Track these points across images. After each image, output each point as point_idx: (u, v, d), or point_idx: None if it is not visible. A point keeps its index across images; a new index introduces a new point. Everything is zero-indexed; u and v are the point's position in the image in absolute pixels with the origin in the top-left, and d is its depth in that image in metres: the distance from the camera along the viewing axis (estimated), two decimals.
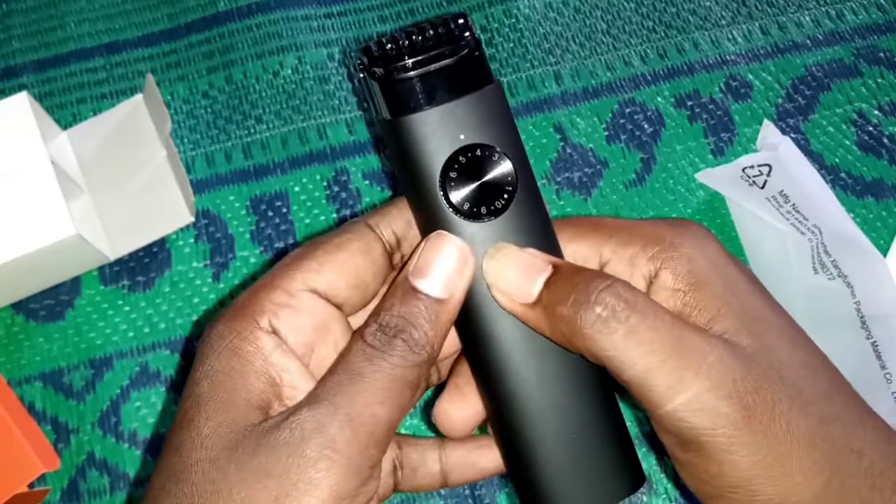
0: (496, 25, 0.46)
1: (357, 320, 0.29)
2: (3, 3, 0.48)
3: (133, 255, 0.41)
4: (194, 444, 0.25)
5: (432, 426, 0.38)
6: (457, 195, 0.27)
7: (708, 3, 0.46)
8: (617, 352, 0.25)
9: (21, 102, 0.39)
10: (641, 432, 0.38)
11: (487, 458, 0.31)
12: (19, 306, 0.41)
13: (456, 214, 0.27)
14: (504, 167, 0.27)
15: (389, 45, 0.27)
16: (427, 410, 0.38)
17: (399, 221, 0.29)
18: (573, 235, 0.29)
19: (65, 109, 0.45)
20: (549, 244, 0.28)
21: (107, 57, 0.46)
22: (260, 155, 0.43)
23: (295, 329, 0.26)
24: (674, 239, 0.27)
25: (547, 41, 0.45)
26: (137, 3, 0.48)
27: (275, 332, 0.26)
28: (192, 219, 0.41)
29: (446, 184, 0.27)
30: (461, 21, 0.27)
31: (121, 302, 0.41)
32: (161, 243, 0.42)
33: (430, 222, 0.28)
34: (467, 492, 0.37)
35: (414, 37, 0.27)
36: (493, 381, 0.28)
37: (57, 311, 0.41)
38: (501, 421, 0.29)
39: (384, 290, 0.29)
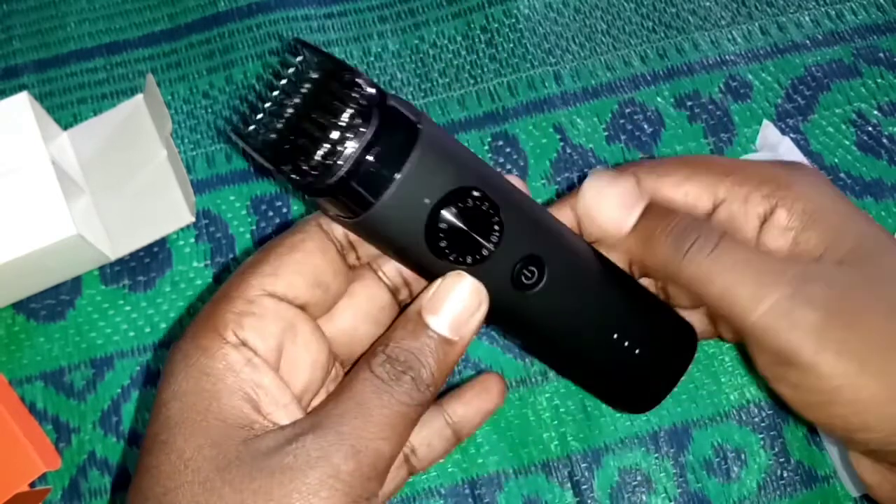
0: (496, 25, 0.46)
1: (332, 327, 0.29)
2: (4, 3, 0.48)
3: (133, 255, 0.41)
4: (175, 467, 0.24)
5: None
6: (458, 255, 0.26)
7: (708, 4, 0.46)
8: (706, 273, 0.27)
9: (21, 102, 0.39)
10: (640, 433, 0.38)
11: (485, 398, 0.33)
12: (20, 306, 0.41)
13: (461, 266, 0.26)
14: (477, 199, 0.25)
15: (303, 154, 0.23)
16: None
17: None
18: (688, 175, 0.30)
19: (65, 109, 0.45)
20: (548, 224, 0.28)
21: (107, 57, 0.46)
22: None
23: (262, 336, 0.26)
24: (788, 178, 0.29)
25: (547, 41, 0.45)
26: (138, 3, 0.48)
27: (243, 343, 0.25)
28: (193, 219, 0.41)
29: (439, 252, 0.25)
30: (344, 73, 0.23)
31: (121, 302, 0.41)
32: (161, 243, 0.42)
33: (437, 277, 0.26)
34: (467, 491, 0.37)
35: (316, 128, 0.23)
36: (563, 362, 0.32)
37: (58, 310, 0.41)
38: (583, 375, 0.32)
39: (365, 291, 0.29)
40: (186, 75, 0.46)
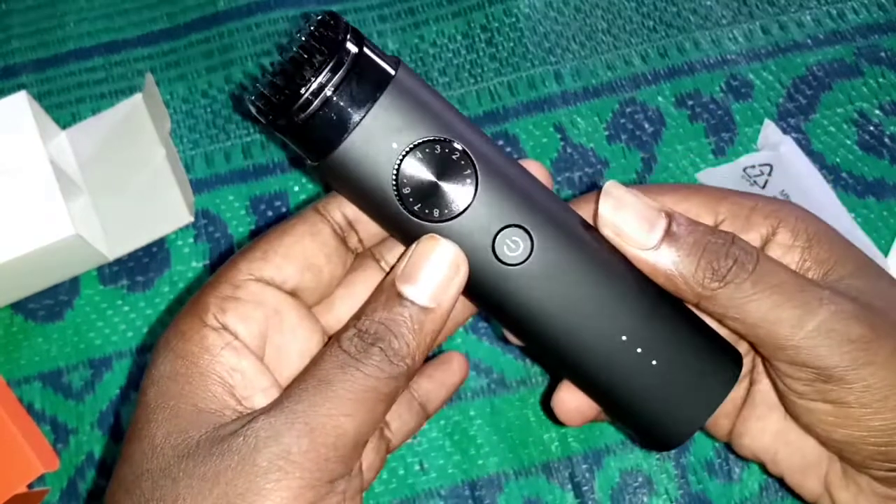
0: (496, 24, 0.46)
1: (331, 317, 0.29)
2: (3, 3, 0.48)
3: (132, 256, 0.41)
4: (145, 455, 0.24)
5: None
6: (425, 207, 0.25)
7: (709, 3, 0.46)
8: (747, 296, 0.26)
9: (20, 102, 0.39)
10: None
11: (446, 372, 0.33)
12: (18, 306, 0.41)
13: (433, 223, 0.25)
14: (450, 149, 0.25)
15: (276, 90, 0.24)
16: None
17: (349, 204, 0.28)
18: (688, 195, 0.29)
19: (64, 109, 0.45)
20: (539, 196, 0.27)
21: (106, 56, 0.46)
22: (259, 154, 0.43)
23: (244, 320, 0.25)
24: (782, 204, 0.29)
25: (547, 40, 0.45)
26: (137, 3, 0.47)
27: (224, 327, 0.25)
28: (192, 219, 0.41)
29: (407, 202, 0.25)
30: (332, 22, 0.24)
31: (120, 302, 0.41)
32: (160, 243, 0.42)
33: (409, 238, 0.26)
34: (467, 492, 0.37)
35: (293, 67, 0.24)
36: (565, 368, 0.29)
37: (56, 311, 0.41)
38: (589, 386, 0.29)
39: (365, 281, 0.29)
40: (185, 74, 0.45)
